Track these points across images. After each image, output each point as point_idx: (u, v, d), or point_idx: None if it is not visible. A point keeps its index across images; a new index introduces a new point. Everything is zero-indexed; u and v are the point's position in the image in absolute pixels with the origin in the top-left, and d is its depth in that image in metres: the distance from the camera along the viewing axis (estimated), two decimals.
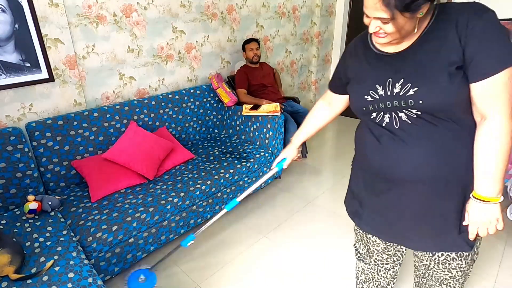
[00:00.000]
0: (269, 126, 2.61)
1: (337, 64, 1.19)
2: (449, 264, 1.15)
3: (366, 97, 1.01)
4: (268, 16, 3.46)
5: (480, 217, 0.95)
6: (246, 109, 2.71)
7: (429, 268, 1.22)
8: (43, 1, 1.92)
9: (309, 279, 1.85)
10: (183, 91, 2.69)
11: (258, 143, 2.71)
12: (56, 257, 1.44)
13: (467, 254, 1.11)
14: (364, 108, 1.03)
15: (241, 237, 2.19)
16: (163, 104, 2.53)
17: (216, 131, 2.97)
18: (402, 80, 0.93)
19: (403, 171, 1.00)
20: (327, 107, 1.30)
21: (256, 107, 2.74)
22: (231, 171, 2.30)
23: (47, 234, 1.60)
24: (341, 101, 1.24)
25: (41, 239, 1.56)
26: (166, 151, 2.26)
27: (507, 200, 1.91)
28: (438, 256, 1.14)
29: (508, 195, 1.91)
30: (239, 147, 2.65)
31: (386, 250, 1.30)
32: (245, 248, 2.10)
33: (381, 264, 1.36)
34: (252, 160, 2.45)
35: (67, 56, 2.08)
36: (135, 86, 2.53)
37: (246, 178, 2.44)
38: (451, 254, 1.12)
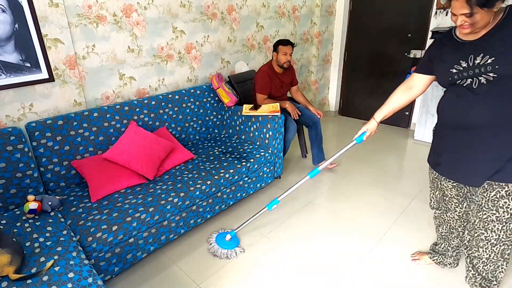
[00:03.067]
0: (269, 126, 2.61)
1: (425, 53, 1.57)
2: (498, 201, 1.42)
3: (451, 70, 1.40)
4: (268, 16, 3.46)
5: None
6: (246, 109, 2.71)
7: (481, 209, 1.50)
8: (43, 1, 1.92)
9: (309, 279, 1.85)
10: (183, 91, 2.69)
11: (258, 143, 2.71)
12: (56, 257, 1.44)
13: None
14: (450, 78, 1.41)
15: (241, 237, 2.19)
16: (163, 104, 2.53)
17: (216, 131, 2.97)
18: (482, 54, 1.31)
19: (475, 119, 1.37)
20: (408, 91, 1.64)
21: (256, 107, 2.73)
22: (231, 171, 2.30)
23: (47, 234, 1.60)
24: (423, 83, 1.59)
25: (41, 239, 1.56)
26: (166, 151, 2.26)
27: None
28: (489, 192, 1.44)
29: None
30: (239, 147, 2.65)
31: (457, 196, 1.64)
32: (245, 248, 2.10)
33: (450, 207, 1.69)
34: (252, 160, 2.45)
35: (67, 56, 2.08)
36: (135, 86, 2.53)
37: (246, 178, 2.44)
38: (501, 190, 1.40)
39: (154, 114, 2.48)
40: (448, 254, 1.86)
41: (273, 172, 2.75)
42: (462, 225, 1.73)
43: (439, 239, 1.88)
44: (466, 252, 1.69)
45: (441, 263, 1.90)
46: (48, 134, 1.95)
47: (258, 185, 2.60)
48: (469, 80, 1.37)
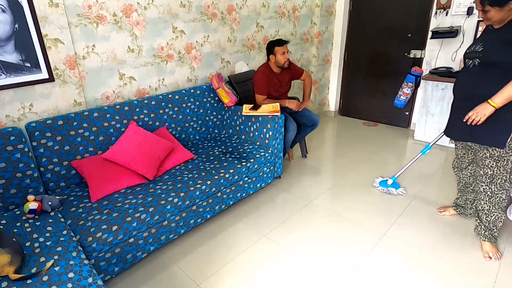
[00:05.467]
0: (269, 126, 2.61)
1: None
2: (484, 161, 1.84)
3: (467, 50, 1.85)
4: (268, 16, 3.46)
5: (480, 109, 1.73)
6: (246, 109, 2.71)
7: (477, 167, 1.91)
8: (43, 1, 1.92)
9: (309, 279, 1.85)
10: (183, 91, 2.69)
11: (258, 143, 2.71)
12: (56, 257, 1.44)
13: (497, 157, 1.79)
14: (465, 57, 1.85)
15: (241, 237, 2.19)
16: (163, 104, 2.53)
17: (216, 131, 2.97)
18: (482, 43, 1.74)
19: (471, 92, 1.79)
20: None
21: (256, 107, 2.73)
22: (231, 171, 2.30)
23: (47, 234, 1.60)
24: None
25: (41, 239, 1.56)
26: (166, 151, 2.26)
27: (507, 200, 1.92)
28: (479, 153, 1.85)
29: (509, 196, 1.94)
30: (239, 147, 2.65)
31: (465, 156, 2.07)
32: (245, 248, 2.10)
33: (462, 166, 2.12)
34: (252, 160, 2.45)
35: (67, 56, 2.08)
36: (135, 86, 2.53)
37: (246, 178, 2.44)
38: (486, 152, 1.81)
39: (154, 114, 2.48)
40: (467, 206, 2.25)
41: (273, 172, 2.75)
42: (475, 182, 2.07)
43: (458, 193, 2.28)
44: (475, 208, 2.08)
45: (463, 214, 2.30)
46: (48, 134, 1.95)
47: (258, 185, 2.60)
48: (470, 61, 1.80)
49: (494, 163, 1.81)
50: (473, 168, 2.07)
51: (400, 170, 2.71)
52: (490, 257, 1.95)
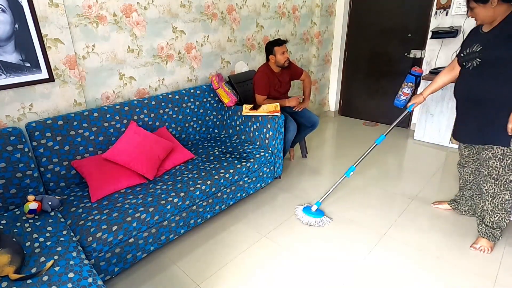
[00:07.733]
0: (269, 126, 2.61)
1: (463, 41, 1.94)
2: (487, 162, 1.85)
3: (461, 54, 1.86)
4: (268, 16, 3.46)
5: None
6: (246, 109, 2.70)
7: (481, 168, 1.92)
8: (43, 1, 1.92)
9: (309, 279, 1.85)
10: (183, 91, 2.69)
11: (258, 143, 2.71)
12: (56, 257, 1.44)
13: (501, 155, 1.79)
14: (460, 61, 1.87)
15: (241, 237, 2.19)
16: (163, 104, 2.53)
17: (216, 131, 2.97)
18: (478, 43, 1.73)
19: (473, 93, 1.80)
20: (451, 72, 2.03)
21: (256, 107, 2.73)
22: (231, 171, 2.30)
23: (47, 234, 1.60)
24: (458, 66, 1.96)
25: (41, 239, 1.56)
26: (166, 151, 2.26)
27: None
28: (483, 154, 1.86)
29: None
30: (239, 147, 2.65)
31: (468, 156, 2.09)
32: (245, 248, 2.10)
33: (465, 164, 2.15)
34: (252, 160, 2.45)
35: (67, 56, 2.08)
36: (135, 86, 2.53)
37: (246, 178, 2.44)
38: (489, 152, 1.82)
39: (154, 114, 2.48)
40: (462, 203, 2.29)
41: (273, 172, 2.75)
42: (474, 180, 2.15)
43: (458, 190, 2.32)
44: (478, 209, 2.06)
45: (456, 209, 2.35)
46: (48, 134, 1.95)
47: (258, 185, 2.60)
48: (469, 63, 1.80)
49: (498, 163, 1.81)
50: (475, 166, 2.09)
51: (325, 194, 2.43)
52: (482, 250, 1.99)
